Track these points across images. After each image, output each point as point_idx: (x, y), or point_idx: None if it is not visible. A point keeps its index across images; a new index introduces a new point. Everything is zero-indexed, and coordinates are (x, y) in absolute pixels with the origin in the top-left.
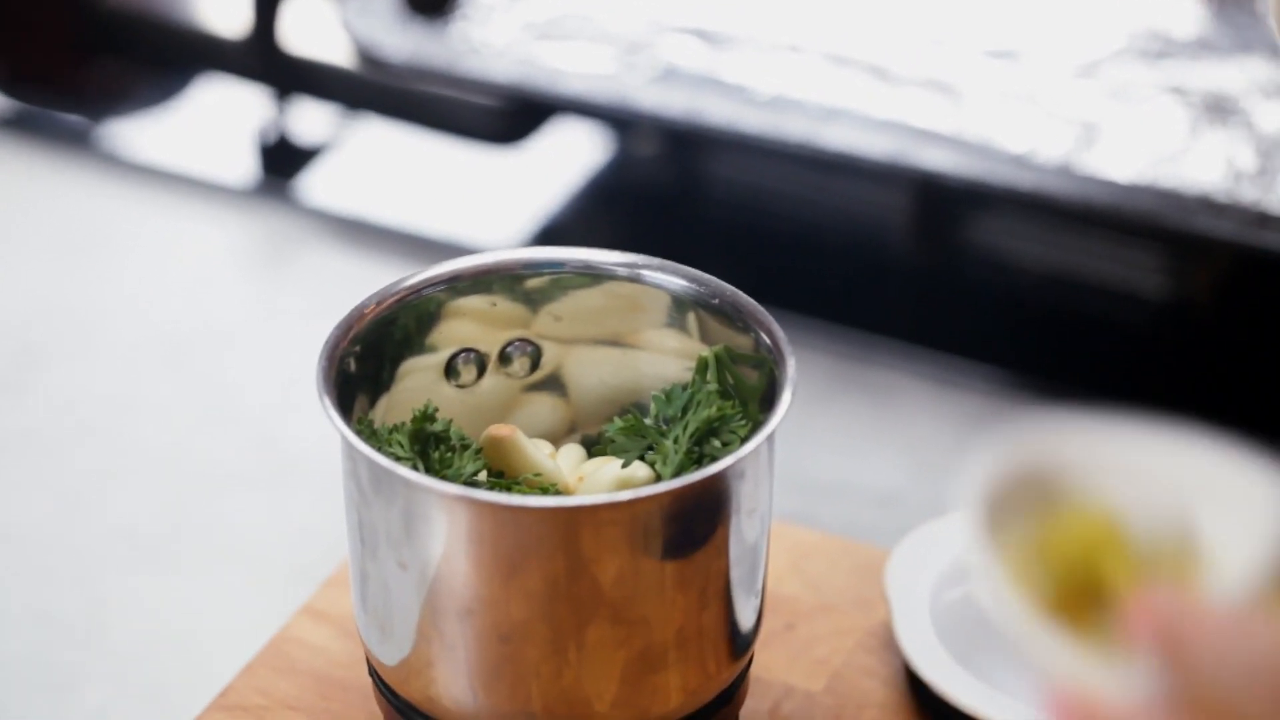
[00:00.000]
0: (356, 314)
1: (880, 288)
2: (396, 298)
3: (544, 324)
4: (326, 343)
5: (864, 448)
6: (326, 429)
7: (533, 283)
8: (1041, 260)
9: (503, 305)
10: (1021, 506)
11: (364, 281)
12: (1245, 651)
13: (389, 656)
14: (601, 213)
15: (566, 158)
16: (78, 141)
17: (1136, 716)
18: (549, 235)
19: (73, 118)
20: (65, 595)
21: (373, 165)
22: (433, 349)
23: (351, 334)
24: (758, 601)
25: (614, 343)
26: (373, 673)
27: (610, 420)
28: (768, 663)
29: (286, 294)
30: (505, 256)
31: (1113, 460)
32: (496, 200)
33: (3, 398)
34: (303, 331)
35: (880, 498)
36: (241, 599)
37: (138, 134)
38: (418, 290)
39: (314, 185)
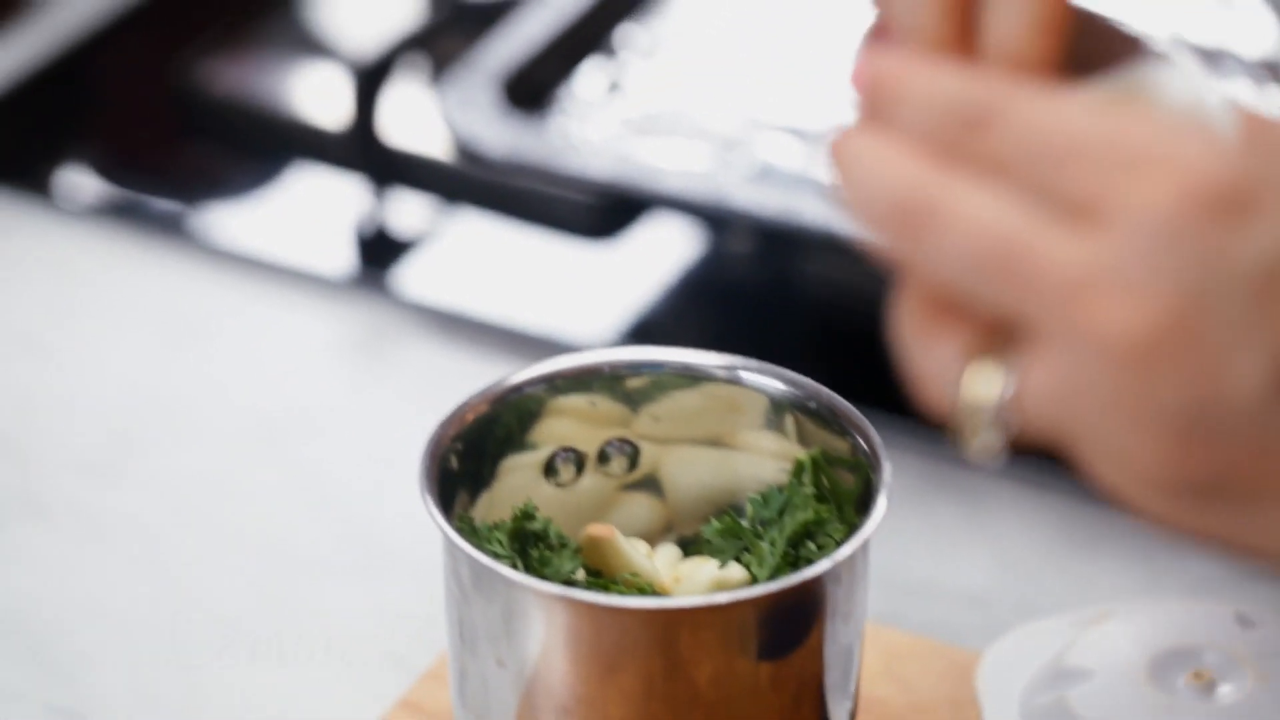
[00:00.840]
0: (459, 411)
1: None
2: (499, 395)
3: (642, 424)
4: (429, 440)
5: (954, 549)
6: (422, 520)
7: (632, 383)
8: None
9: (602, 405)
10: None
11: (458, 374)
12: (930, 92)
13: None
14: (695, 309)
15: (661, 253)
16: (174, 228)
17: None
18: (642, 330)
19: (169, 204)
20: (161, 680)
21: (467, 257)
22: (533, 447)
23: (454, 431)
24: (851, 704)
25: (711, 444)
26: None
27: (705, 521)
28: None
29: (381, 385)
30: (606, 357)
31: None
32: (591, 294)
33: (99, 482)
34: (398, 422)
35: (971, 599)
36: (336, 687)
37: (234, 221)
38: (519, 389)
39: (410, 277)
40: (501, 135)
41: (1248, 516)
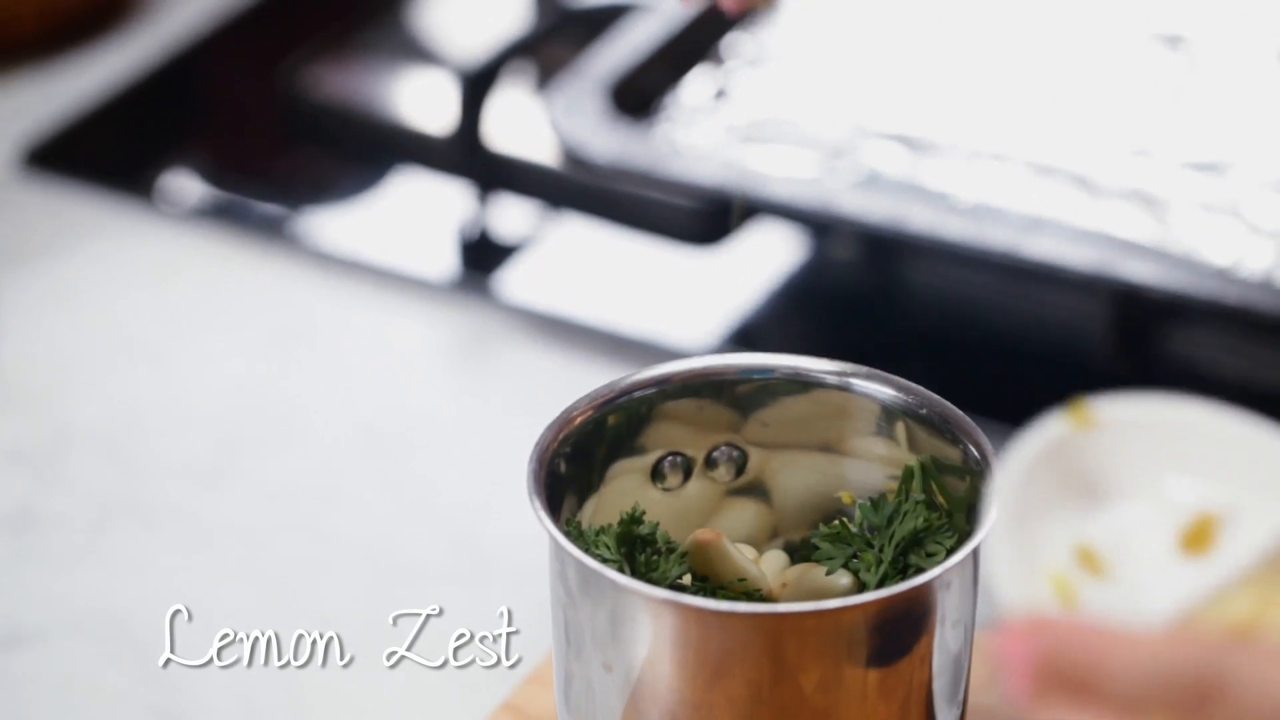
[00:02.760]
0: (567, 415)
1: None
2: (607, 399)
3: (751, 430)
4: (537, 444)
5: None
6: (527, 524)
7: (742, 389)
8: (1244, 374)
9: (710, 410)
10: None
11: (561, 379)
12: (1148, 665)
13: None
14: (798, 315)
15: (765, 259)
16: (278, 232)
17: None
18: (745, 336)
19: (274, 208)
20: (265, 685)
21: (571, 262)
22: (640, 451)
23: (562, 435)
24: (959, 712)
25: (820, 450)
26: None
27: (812, 527)
28: None
29: (485, 389)
30: (715, 362)
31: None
32: (695, 300)
33: (203, 487)
34: (500, 426)
35: None
36: (440, 691)
37: (339, 226)
38: (628, 392)
39: (513, 281)
40: (608, 141)
41: None
